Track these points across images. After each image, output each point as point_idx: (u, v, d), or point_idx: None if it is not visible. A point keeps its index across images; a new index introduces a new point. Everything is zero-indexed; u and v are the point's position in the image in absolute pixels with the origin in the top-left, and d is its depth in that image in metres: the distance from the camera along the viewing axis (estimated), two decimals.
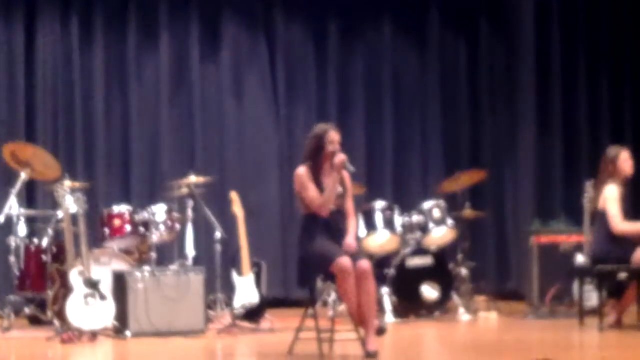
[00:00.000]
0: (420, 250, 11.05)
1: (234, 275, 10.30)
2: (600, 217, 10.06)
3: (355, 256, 8.24)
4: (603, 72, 13.01)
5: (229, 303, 10.34)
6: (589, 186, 10.38)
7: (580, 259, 10.36)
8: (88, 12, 11.81)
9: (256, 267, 10.34)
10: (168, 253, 10.72)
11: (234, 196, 10.54)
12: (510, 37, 12.99)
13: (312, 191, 8.33)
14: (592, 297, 10.35)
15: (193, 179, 10.60)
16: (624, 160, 10.06)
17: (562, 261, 10.94)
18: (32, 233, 10.59)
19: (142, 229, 10.36)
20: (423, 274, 10.98)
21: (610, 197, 9.93)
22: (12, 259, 10.36)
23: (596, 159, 10.83)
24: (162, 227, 10.38)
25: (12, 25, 11.55)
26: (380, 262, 10.83)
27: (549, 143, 12.87)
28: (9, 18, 11.53)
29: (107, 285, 9.73)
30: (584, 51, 12.98)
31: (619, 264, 9.87)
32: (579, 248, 10.60)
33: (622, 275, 9.92)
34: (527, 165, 12.86)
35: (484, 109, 12.98)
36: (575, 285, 10.56)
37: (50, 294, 10.04)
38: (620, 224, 9.86)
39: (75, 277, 9.58)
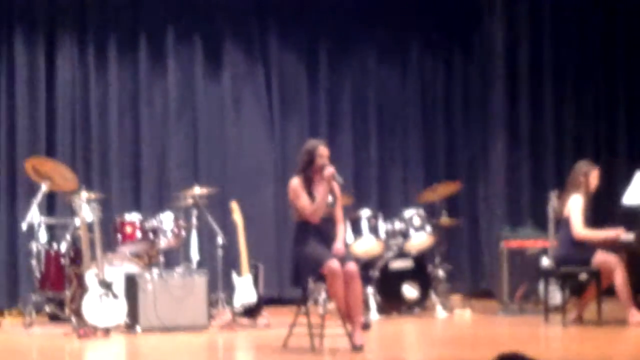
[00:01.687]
0: (401, 254, 11.09)
1: (234, 276, 10.33)
2: (563, 224, 10.10)
3: (343, 259, 8.29)
4: (566, 93, 13.01)
5: (229, 301, 10.35)
6: (553, 196, 10.40)
7: (545, 261, 10.38)
8: (103, 39, 11.80)
9: (254, 268, 10.36)
10: (174, 257, 10.73)
11: (234, 205, 10.58)
12: (481, 62, 13.00)
13: (304, 200, 8.37)
14: (556, 296, 10.37)
15: (197, 190, 10.63)
16: (594, 177, 10.09)
17: (529, 263, 10.96)
18: (51, 239, 10.60)
19: (151, 235, 10.38)
20: (404, 275, 11.01)
21: (574, 207, 9.97)
22: (34, 262, 10.39)
23: (559, 172, 10.91)
24: (169, 234, 10.40)
25: (33, 51, 11.54)
26: (366, 265, 10.86)
27: (517, 157, 12.88)
28: (31, 44, 11.52)
29: (119, 286, 9.75)
30: (548, 74, 12.98)
31: (580, 266, 9.92)
32: (544, 252, 10.61)
33: (583, 276, 9.97)
34: (497, 177, 12.87)
35: (458, 126, 12.98)
36: (541, 285, 10.59)
37: (68, 293, 10.08)
38: (582, 230, 9.90)
39: (90, 278, 9.61)
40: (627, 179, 10.41)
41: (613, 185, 11.00)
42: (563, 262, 10.04)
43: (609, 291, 9.95)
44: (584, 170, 10.10)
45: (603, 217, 10.08)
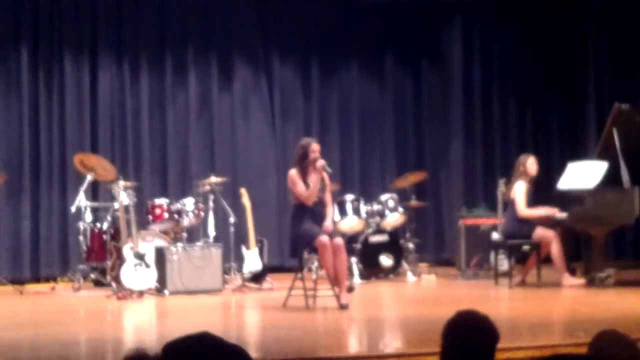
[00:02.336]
0: (379, 230, 11.05)
1: (243, 249, 10.29)
2: (510, 205, 10.09)
3: (332, 235, 8.27)
4: (512, 98, 13.01)
5: (239, 269, 10.32)
6: (501, 183, 10.40)
7: (495, 235, 10.35)
8: (136, 56, 11.74)
9: (259, 243, 10.33)
10: (195, 233, 10.67)
11: (243, 191, 10.54)
12: (444, 73, 12.98)
13: (300, 187, 8.35)
14: (503, 264, 10.36)
15: (213, 179, 10.58)
16: (531, 163, 10.09)
17: (482, 237, 10.93)
18: (95, 219, 10.54)
19: (176, 216, 10.33)
20: (381, 248, 10.97)
21: (519, 191, 9.96)
22: (81, 238, 10.35)
23: (506, 164, 10.88)
24: (191, 215, 10.35)
25: (80, 68, 11.47)
26: (350, 239, 10.81)
27: (472, 152, 12.87)
28: (78, 62, 11.45)
29: (150, 257, 9.71)
30: (496, 85, 12.99)
31: (523, 239, 9.91)
32: (494, 228, 10.58)
33: (526, 247, 9.97)
34: (456, 167, 12.85)
35: (425, 126, 12.95)
36: (492, 255, 10.58)
37: (109, 263, 10.04)
38: (524, 209, 9.89)
39: (127, 251, 9.57)
40: (561, 168, 10.39)
41: (549, 173, 10.96)
42: (509, 236, 10.03)
43: (547, 260, 9.94)
44: (523, 161, 10.12)
45: (542, 199, 10.05)
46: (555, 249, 9.74)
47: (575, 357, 1.97)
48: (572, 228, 9.89)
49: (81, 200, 10.26)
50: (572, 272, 9.93)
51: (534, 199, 10.04)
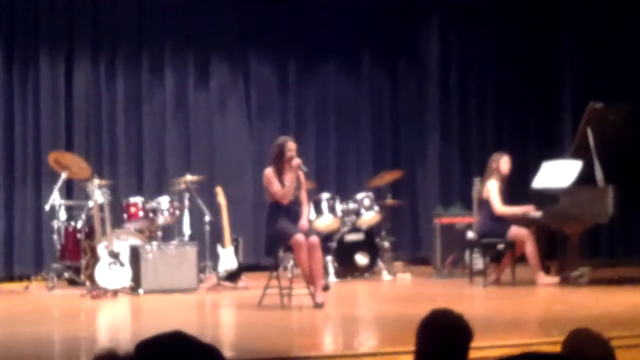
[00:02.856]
0: (354, 229, 11.04)
1: (219, 247, 10.27)
2: (484, 204, 10.12)
3: (307, 233, 8.26)
4: (488, 98, 13.05)
5: (215, 268, 10.30)
6: (476, 182, 10.42)
7: (470, 234, 10.38)
8: (112, 54, 11.72)
9: (235, 241, 10.31)
10: (170, 232, 10.64)
11: (219, 190, 10.51)
12: (420, 72, 12.99)
13: (276, 186, 8.34)
14: (478, 262, 10.37)
15: (189, 177, 10.56)
16: (504, 162, 10.12)
17: (457, 236, 10.95)
18: (70, 218, 10.50)
19: (151, 214, 10.30)
20: (357, 246, 10.97)
21: (492, 189, 9.99)
22: (55, 237, 10.29)
23: (482, 163, 10.89)
24: (166, 213, 10.33)
25: (55, 66, 11.44)
26: (326, 238, 10.80)
27: (449, 150, 12.89)
28: (53, 57, 11.43)
29: (125, 256, 9.68)
30: (473, 84, 13.02)
31: (498, 238, 9.94)
32: (469, 226, 10.61)
33: (500, 246, 9.99)
34: (432, 166, 12.87)
35: (401, 126, 12.96)
36: (467, 254, 10.59)
37: (83, 262, 9.98)
38: (500, 207, 9.92)
39: (101, 249, 9.53)
40: (536, 167, 10.43)
41: (525, 172, 11.00)
42: (484, 235, 10.06)
43: (522, 258, 9.97)
44: (496, 159, 10.16)
45: (518, 198, 10.09)
46: (530, 248, 9.77)
47: (545, 355, 1.97)
48: (547, 227, 9.93)
49: (55, 198, 10.22)
50: (547, 271, 9.96)
51: (509, 198, 10.07)
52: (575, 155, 9.94)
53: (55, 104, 11.46)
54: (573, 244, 9.79)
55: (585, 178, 9.68)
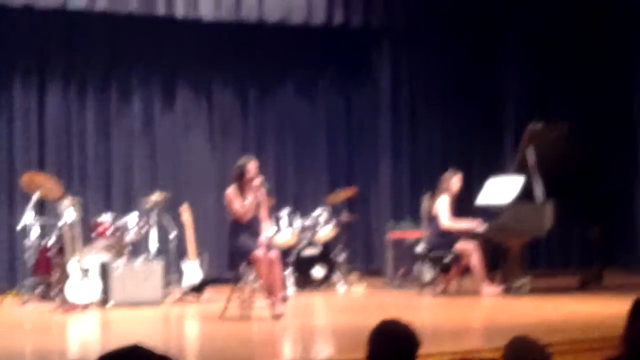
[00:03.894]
0: (311, 244, 11.06)
1: (184, 262, 10.22)
2: (433, 219, 10.17)
3: (267, 248, 8.25)
4: (436, 118, 13.11)
5: (180, 282, 10.25)
6: (425, 198, 10.48)
7: (420, 247, 10.43)
8: (83, 79, 11.67)
9: (199, 256, 10.27)
10: (138, 247, 10.57)
11: (184, 208, 10.48)
12: (373, 94, 13.03)
13: (237, 204, 8.35)
14: (427, 274, 10.42)
15: (156, 195, 10.52)
16: (456, 180, 10.19)
17: (408, 249, 10.98)
18: (42, 235, 10.39)
19: (119, 232, 10.22)
20: (314, 260, 10.98)
21: (441, 205, 10.06)
22: (28, 254, 10.18)
23: (431, 180, 10.95)
24: (133, 230, 10.25)
25: (28, 92, 11.39)
26: (285, 252, 10.78)
27: (399, 168, 12.92)
28: (26, 87, 11.38)
29: (95, 272, 9.60)
30: (421, 105, 13.08)
31: (446, 251, 10.00)
32: (419, 240, 10.66)
33: (448, 259, 10.05)
34: (384, 184, 12.89)
35: (355, 145, 12.99)
36: (416, 266, 10.64)
37: (54, 278, 9.88)
38: (448, 221, 9.99)
39: (72, 266, 9.45)
40: (481, 183, 10.51)
41: (470, 189, 11.08)
42: (433, 248, 10.12)
43: (468, 270, 10.03)
44: (447, 177, 10.23)
45: (464, 212, 10.15)
46: (475, 260, 9.84)
47: None
48: (491, 240, 10.01)
49: (28, 217, 10.12)
50: (491, 281, 10.03)
51: (457, 214, 10.14)
52: (517, 172, 10.03)
53: (28, 128, 11.39)
54: (514, 256, 9.87)
55: (527, 194, 9.77)
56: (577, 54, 12.82)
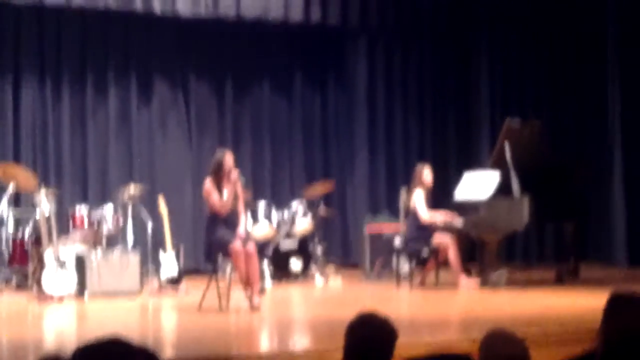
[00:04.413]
0: (289, 236, 11.03)
1: (160, 254, 10.17)
2: (410, 213, 10.18)
3: (244, 241, 8.22)
4: (411, 114, 13.14)
5: (156, 273, 10.20)
6: (403, 192, 10.47)
7: (397, 241, 10.43)
8: (58, 74, 11.60)
9: (176, 247, 10.21)
10: (114, 239, 10.50)
11: (160, 200, 10.42)
12: (348, 90, 13.05)
13: (214, 197, 8.31)
14: (405, 267, 10.43)
15: (132, 187, 10.46)
16: (427, 174, 10.20)
17: (385, 243, 10.98)
18: (17, 226, 10.31)
19: (95, 223, 10.16)
20: (291, 253, 10.96)
21: (417, 199, 10.07)
22: (4, 244, 10.11)
23: (407, 174, 10.98)
24: (110, 221, 10.19)
25: (3, 82, 11.33)
26: (262, 245, 10.75)
27: (376, 163, 12.94)
28: (1, 77, 11.29)
29: (71, 263, 9.52)
30: (397, 101, 13.11)
31: (423, 244, 10.01)
32: (396, 234, 10.67)
33: (425, 252, 10.06)
34: (361, 178, 12.91)
35: (332, 141, 13.03)
36: (394, 259, 10.64)
37: (30, 269, 9.81)
38: (425, 215, 10.00)
39: (48, 257, 9.37)
40: (457, 178, 10.54)
41: (446, 183, 11.12)
42: (410, 242, 10.12)
43: (445, 263, 10.05)
44: (419, 170, 10.25)
45: (441, 207, 10.16)
46: (452, 254, 9.85)
47: (451, 356, 1.95)
48: (468, 234, 10.03)
49: (3, 208, 10.03)
50: (468, 273, 10.05)
51: (433, 207, 10.15)
52: (494, 167, 10.05)
53: (3, 119, 11.31)
54: (491, 249, 9.89)
55: (503, 189, 9.80)
56: (552, 50, 12.86)
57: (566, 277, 10.14)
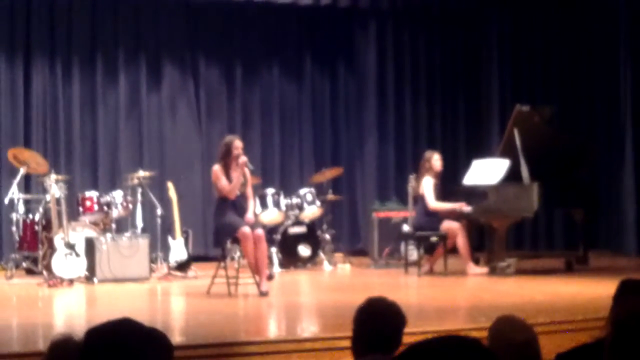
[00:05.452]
0: (297, 222, 11.03)
1: (169, 239, 10.19)
2: (419, 199, 10.17)
3: (253, 226, 8.23)
4: (421, 99, 13.11)
5: (165, 258, 10.23)
6: (411, 179, 10.46)
7: (406, 227, 10.42)
8: (68, 57, 11.61)
9: (185, 233, 10.24)
10: (123, 224, 10.54)
11: (170, 185, 10.45)
12: (358, 74, 13.02)
13: (223, 182, 8.30)
14: (413, 254, 10.43)
15: (141, 173, 10.47)
16: (436, 160, 10.18)
17: (394, 229, 10.99)
18: (28, 210, 10.35)
19: (105, 208, 10.20)
20: (299, 238, 10.96)
21: (426, 186, 10.05)
22: (14, 228, 10.14)
23: (416, 160, 10.96)
24: (119, 207, 10.23)
25: (14, 69, 11.35)
26: (270, 230, 10.78)
27: (385, 149, 12.92)
28: (12, 61, 11.34)
29: (80, 247, 9.56)
30: (407, 87, 13.07)
31: (431, 231, 10.00)
32: (404, 220, 10.65)
33: (433, 239, 10.05)
34: (370, 164, 12.89)
35: (341, 126, 12.99)
36: (402, 246, 10.64)
37: (40, 253, 9.85)
38: (434, 202, 9.99)
39: (58, 241, 9.41)
40: (467, 165, 10.51)
41: (455, 170, 11.10)
42: (418, 228, 10.11)
43: (453, 250, 10.05)
44: (428, 157, 10.23)
45: (449, 194, 10.16)
46: (461, 240, 9.85)
47: (462, 339, 1.96)
48: (477, 220, 10.02)
49: (14, 192, 10.07)
50: (476, 262, 10.05)
51: (442, 193, 10.14)
52: (503, 154, 10.03)
53: (14, 104, 11.35)
54: (500, 236, 9.87)
55: (512, 175, 9.78)
56: (563, 37, 12.81)
57: (575, 265, 10.12)
